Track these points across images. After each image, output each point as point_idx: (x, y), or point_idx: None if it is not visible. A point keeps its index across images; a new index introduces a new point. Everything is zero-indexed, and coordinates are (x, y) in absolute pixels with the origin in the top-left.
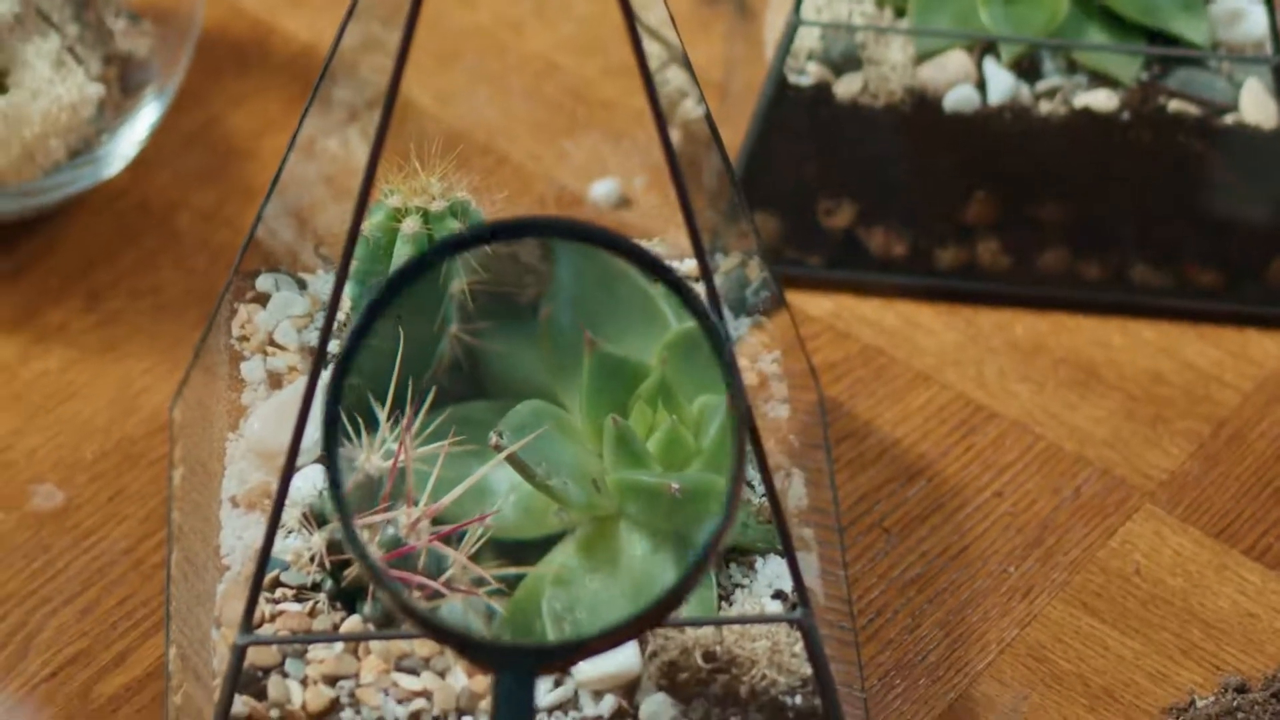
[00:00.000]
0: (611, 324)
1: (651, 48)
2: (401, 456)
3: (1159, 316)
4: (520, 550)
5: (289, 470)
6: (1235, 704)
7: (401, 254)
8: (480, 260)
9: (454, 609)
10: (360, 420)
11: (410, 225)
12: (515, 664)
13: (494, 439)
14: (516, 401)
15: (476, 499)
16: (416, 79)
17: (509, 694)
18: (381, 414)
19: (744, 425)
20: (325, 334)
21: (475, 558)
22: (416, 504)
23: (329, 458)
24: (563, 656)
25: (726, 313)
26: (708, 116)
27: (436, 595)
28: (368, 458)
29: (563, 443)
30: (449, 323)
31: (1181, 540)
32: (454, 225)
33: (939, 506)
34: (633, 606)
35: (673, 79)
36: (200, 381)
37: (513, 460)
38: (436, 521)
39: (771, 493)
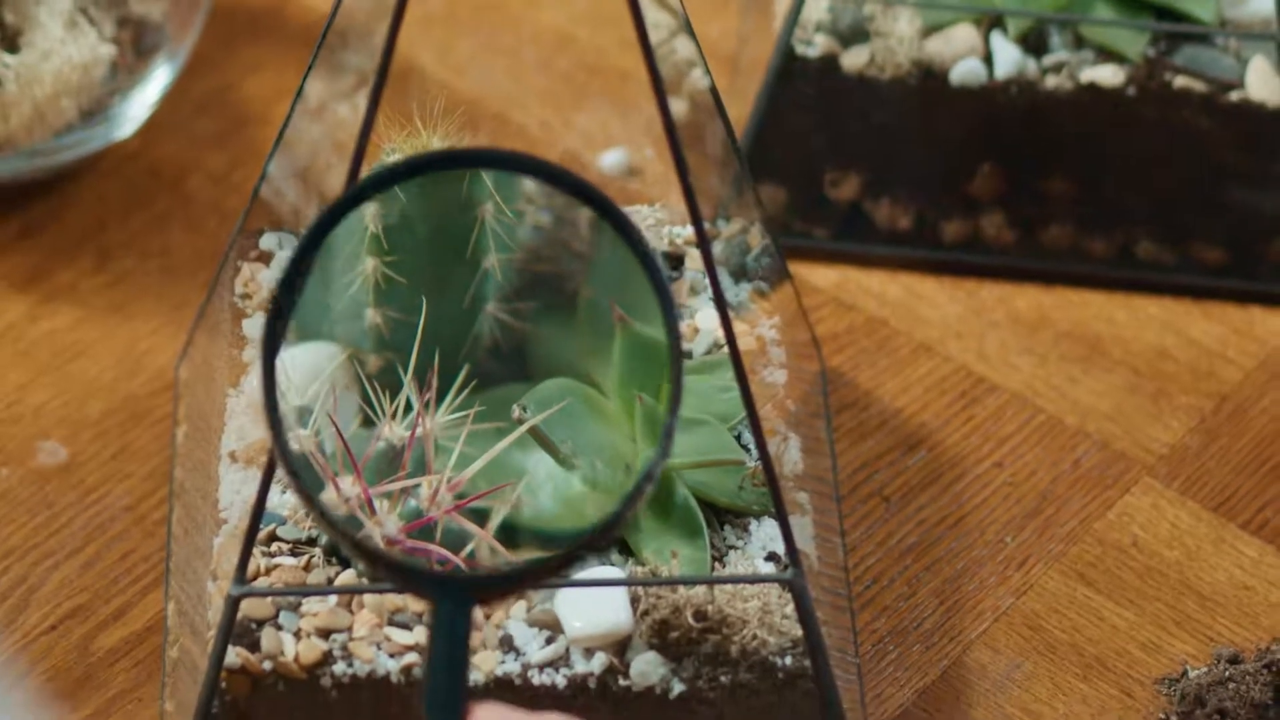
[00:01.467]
0: (650, 307)
1: (660, 17)
2: (424, 427)
3: (1163, 293)
4: (558, 541)
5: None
6: (1227, 674)
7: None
8: (521, 239)
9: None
10: (383, 389)
11: None
12: (451, 593)
13: (516, 411)
14: None
15: (511, 486)
16: (430, 49)
17: (445, 623)
18: (408, 383)
19: (678, 358)
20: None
21: (513, 546)
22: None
23: (267, 395)
24: (499, 585)
25: (725, 277)
26: (712, 87)
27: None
28: (389, 427)
29: (596, 425)
30: (483, 300)
31: (1179, 513)
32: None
33: (938, 476)
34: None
35: (680, 49)
36: (204, 340)
37: (536, 434)
38: (460, 497)
39: (764, 454)
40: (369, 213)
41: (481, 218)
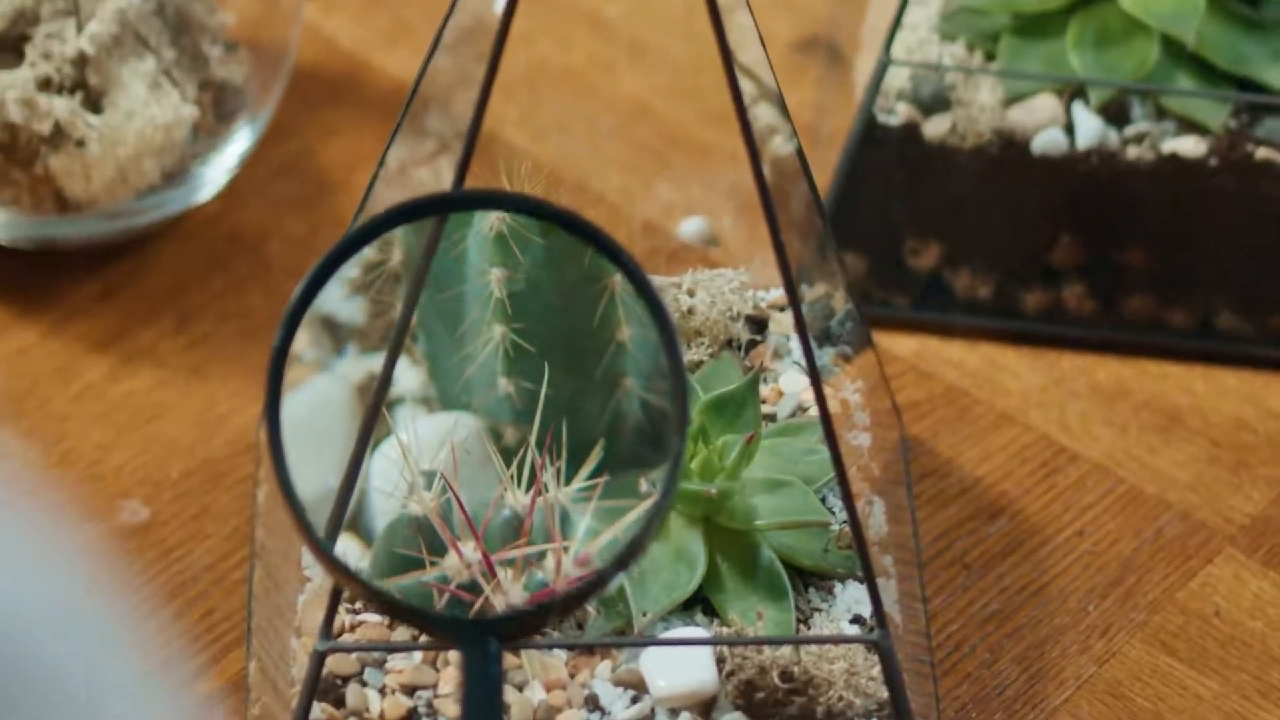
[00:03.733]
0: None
1: (743, 85)
2: (547, 496)
3: (1243, 364)
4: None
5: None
6: None
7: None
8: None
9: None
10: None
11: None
12: (477, 636)
13: (644, 486)
14: None
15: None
16: (510, 117)
17: (476, 668)
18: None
19: (682, 394)
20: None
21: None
22: (565, 549)
23: (270, 425)
24: (524, 623)
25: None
26: (798, 150)
27: None
28: (513, 494)
29: None
30: (617, 374)
31: (1262, 584)
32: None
33: (1019, 544)
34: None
35: (762, 116)
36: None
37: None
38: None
39: (852, 515)
40: (494, 278)
41: (612, 289)
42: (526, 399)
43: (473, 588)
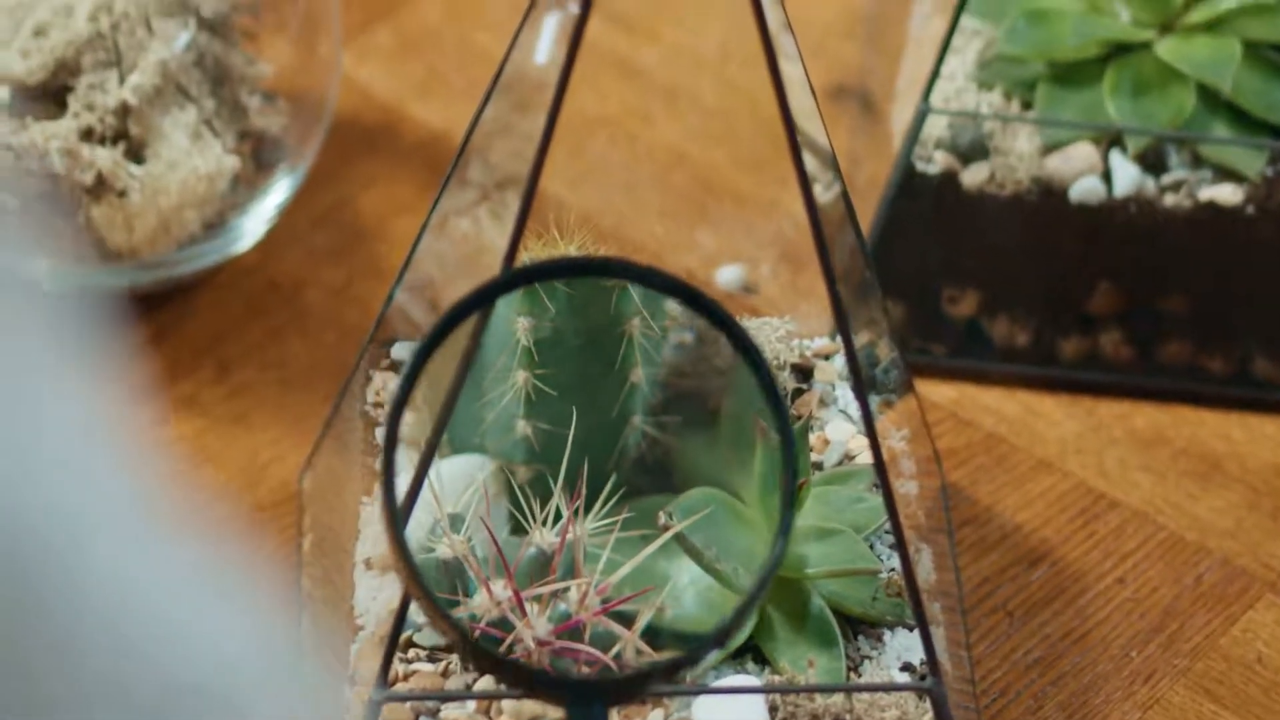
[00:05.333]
0: None
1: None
2: (572, 533)
3: (1279, 411)
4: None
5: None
6: None
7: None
8: (666, 355)
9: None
10: (534, 497)
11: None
12: (583, 696)
13: (662, 519)
14: None
15: (656, 590)
16: (548, 166)
17: None
18: (558, 491)
19: (790, 463)
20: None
21: (657, 649)
22: (590, 582)
23: (385, 493)
24: (629, 687)
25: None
26: (844, 193)
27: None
28: (540, 533)
29: (738, 532)
30: (630, 413)
31: None
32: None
33: (1061, 591)
34: None
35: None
36: (331, 450)
37: (681, 540)
38: (606, 601)
39: (905, 562)
40: (521, 326)
41: (629, 333)
42: (544, 440)
43: (501, 624)
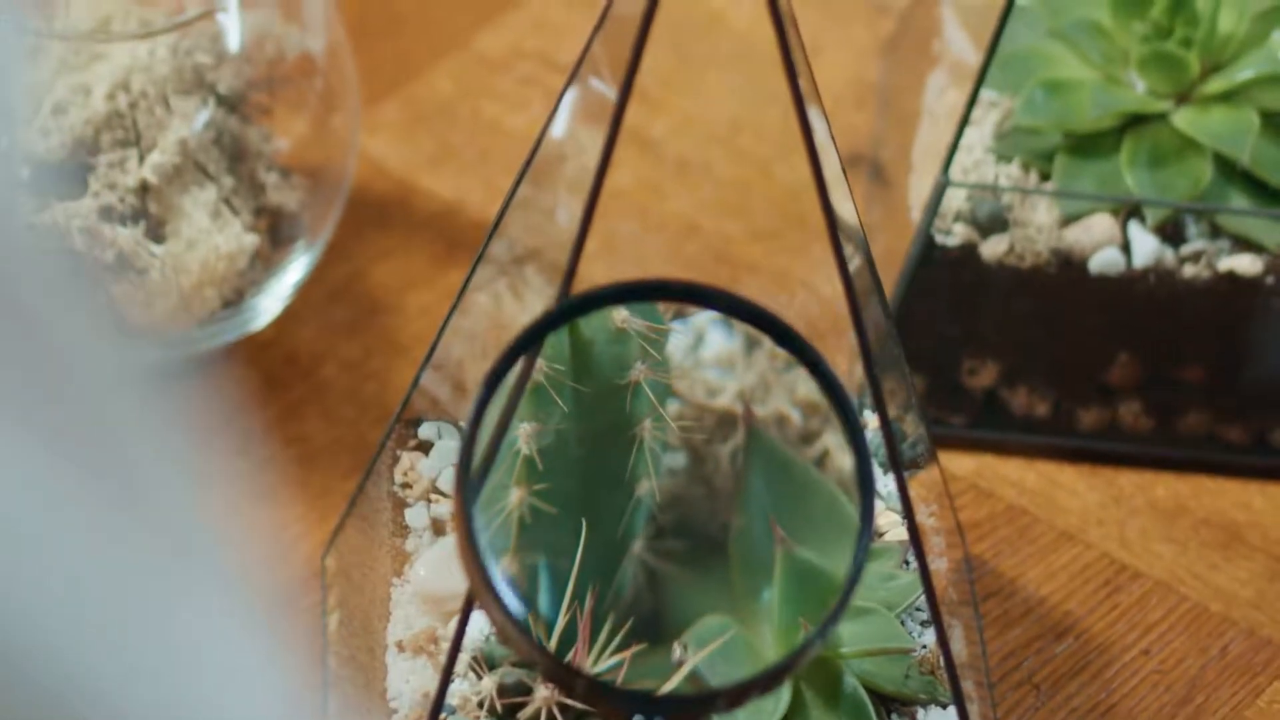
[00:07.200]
0: (804, 536)
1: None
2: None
3: None
4: None
5: (466, 614)
6: None
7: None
8: (666, 487)
9: None
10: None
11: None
12: (645, 711)
13: (677, 651)
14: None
15: None
16: (558, 238)
17: None
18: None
19: (869, 517)
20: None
21: None
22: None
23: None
24: (694, 706)
25: (876, 466)
26: (870, 262)
27: None
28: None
29: (748, 660)
30: (632, 535)
31: None
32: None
33: (1087, 664)
34: None
35: None
36: (356, 529)
37: (695, 676)
38: None
39: (943, 639)
40: (523, 434)
41: (640, 436)
42: (535, 580)
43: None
